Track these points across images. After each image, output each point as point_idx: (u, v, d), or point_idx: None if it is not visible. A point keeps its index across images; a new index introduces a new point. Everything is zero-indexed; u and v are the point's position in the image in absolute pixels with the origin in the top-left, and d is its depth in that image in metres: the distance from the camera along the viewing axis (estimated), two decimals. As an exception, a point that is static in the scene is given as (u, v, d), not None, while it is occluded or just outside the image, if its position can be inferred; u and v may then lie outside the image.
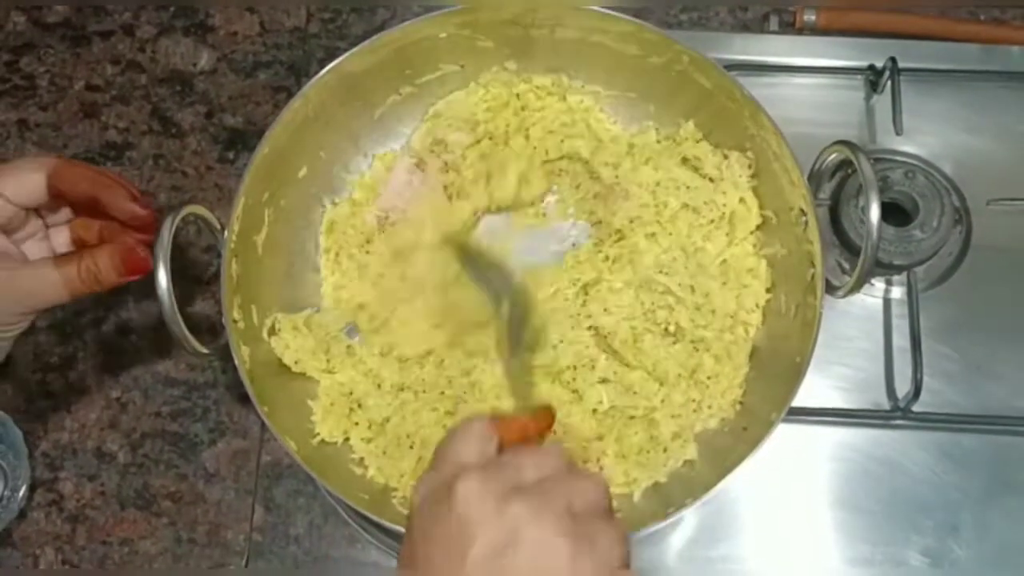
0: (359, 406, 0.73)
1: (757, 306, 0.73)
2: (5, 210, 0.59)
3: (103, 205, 0.60)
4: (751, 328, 0.72)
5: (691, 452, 0.71)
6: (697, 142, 0.75)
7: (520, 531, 0.45)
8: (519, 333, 0.71)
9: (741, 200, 0.73)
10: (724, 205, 0.74)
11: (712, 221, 0.74)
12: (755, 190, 0.74)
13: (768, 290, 0.73)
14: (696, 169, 0.75)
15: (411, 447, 0.71)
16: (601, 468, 0.71)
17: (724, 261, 0.74)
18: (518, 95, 0.79)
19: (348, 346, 0.74)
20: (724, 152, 0.74)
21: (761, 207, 0.74)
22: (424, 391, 0.73)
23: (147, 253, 0.60)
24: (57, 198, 0.61)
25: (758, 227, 0.74)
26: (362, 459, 0.72)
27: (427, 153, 0.78)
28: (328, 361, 0.73)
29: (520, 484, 0.47)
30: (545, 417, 0.58)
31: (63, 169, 0.60)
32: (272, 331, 0.72)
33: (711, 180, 0.75)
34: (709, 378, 0.72)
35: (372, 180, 0.78)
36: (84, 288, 0.59)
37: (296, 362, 0.72)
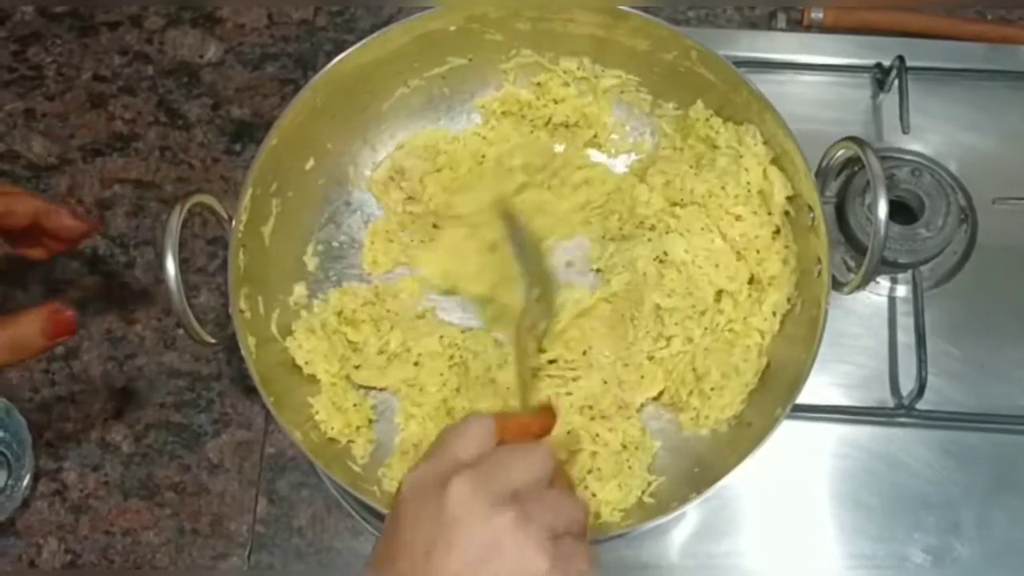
0: (369, 408, 0.73)
1: (775, 313, 0.72)
2: None
3: (47, 231, 0.63)
4: (767, 336, 0.72)
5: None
6: (708, 119, 0.75)
7: (503, 541, 0.46)
8: (538, 319, 0.71)
9: (765, 175, 0.72)
10: (749, 183, 0.73)
11: (737, 196, 0.73)
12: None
13: (788, 299, 0.72)
14: (714, 147, 0.75)
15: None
16: (598, 469, 0.71)
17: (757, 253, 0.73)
18: (539, 83, 0.79)
19: (355, 357, 0.74)
20: (735, 126, 0.74)
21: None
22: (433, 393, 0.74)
23: (73, 312, 0.60)
24: None
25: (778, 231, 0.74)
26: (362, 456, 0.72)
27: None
28: (340, 366, 0.73)
29: (510, 489, 0.48)
30: (546, 417, 0.58)
31: (10, 204, 0.62)
32: (288, 331, 0.72)
33: (730, 152, 0.74)
34: (712, 390, 0.71)
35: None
36: (9, 358, 0.57)
37: (307, 363, 0.72)
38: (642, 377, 0.73)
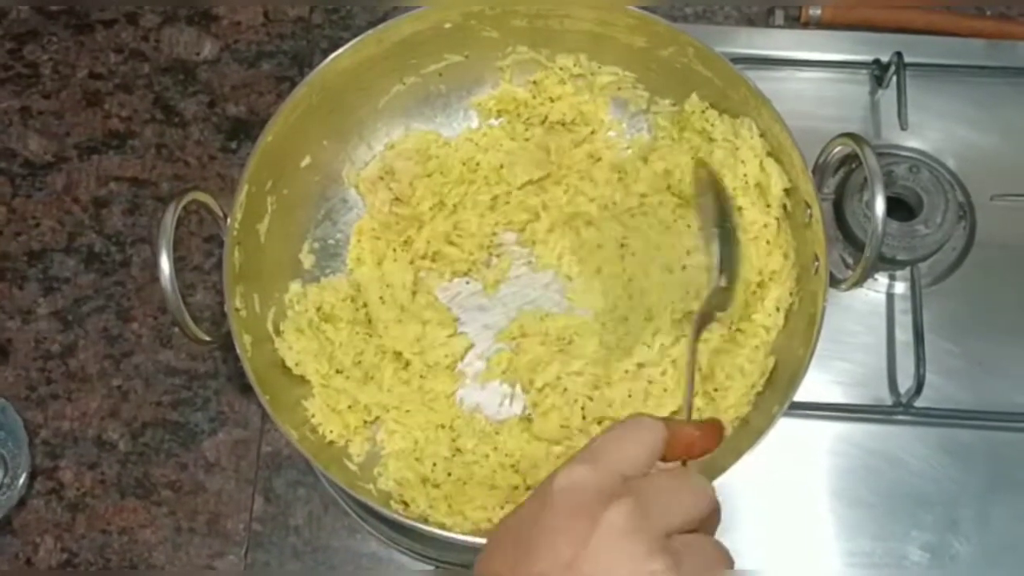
0: (362, 408, 0.73)
1: (778, 309, 0.71)
2: None
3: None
4: (772, 331, 0.71)
5: None
6: (704, 112, 0.75)
7: None
8: (718, 309, 0.63)
9: (761, 167, 0.72)
10: (746, 175, 0.72)
11: (735, 188, 0.72)
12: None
13: (791, 293, 0.71)
14: (711, 140, 0.74)
15: (417, 459, 0.72)
16: None
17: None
18: (535, 81, 0.79)
19: (357, 357, 0.74)
20: (731, 119, 0.74)
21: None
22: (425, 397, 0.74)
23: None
24: None
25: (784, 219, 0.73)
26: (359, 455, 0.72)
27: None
28: (329, 366, 0.72)
29: (668, 529, 0.43)
30: (713, 432, 0.50)
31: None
32: (277, 330, 0.72)
33: (725, 145, 0.73)
34: (717, 391, 0.71)
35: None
36: None
37: (297, 364, 0.72)
38: (665, 389, 0.72)
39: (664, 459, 0.47)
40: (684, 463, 0.49)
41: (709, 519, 0.46)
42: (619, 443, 0.46)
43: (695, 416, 0.65)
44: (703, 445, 0.49)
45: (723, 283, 0.63)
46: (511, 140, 0.79)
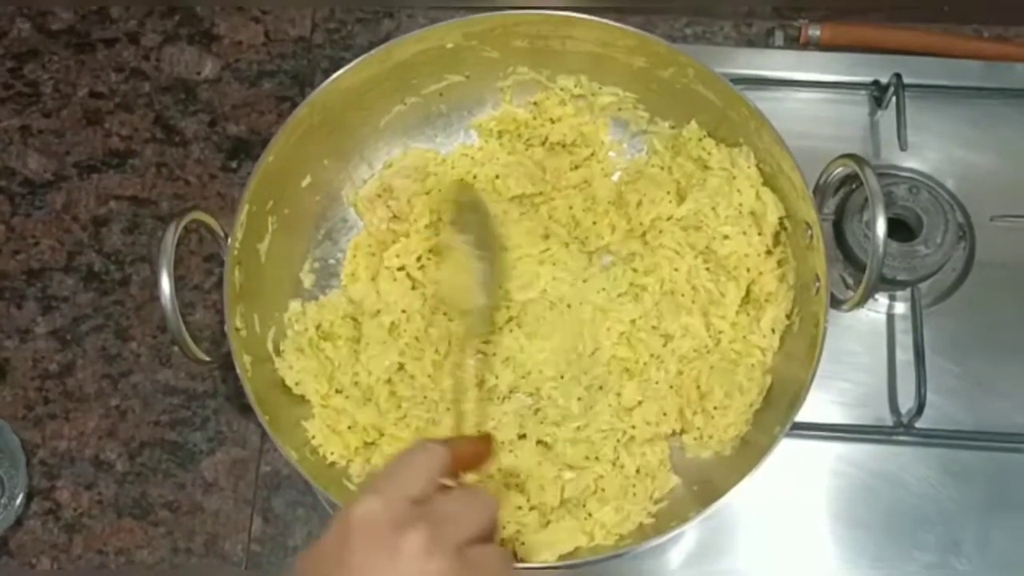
0: (362, 429, 0.72)
1: (774, 331, 0.72)
2: None
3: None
4: (768, 353, 0.72)
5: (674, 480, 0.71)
6: (700, 140, 0.75)
7: None
8: (480, 329, 0.70)
9: (758, 196, 0.73)
10: (741, 204, 0.73)
11: (728, 216, 0.73)
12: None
13: (788, 316, 0.72)
14: (706, 167, 0.75)
15: None
16: (603, 490, 0.70)
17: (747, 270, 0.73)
18: (536, 103, 0.79)
19: (355, 374, 0.73)
20: (728, 148, 0.74)
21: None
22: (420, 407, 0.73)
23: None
24: None
25: (775, 245, 0.74)
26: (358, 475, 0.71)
27: None
28: (329, 386, 0.72)
29: (460, 543, 0.47)
30: (488, 443, 0.56)
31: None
32: (277, 350, 0.72)
33: (723, 174, 0.74)
34: (716, 409, 0.71)
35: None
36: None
37: (297, 384, 0.71)
38: (665, 414, 0.72)
39: (450, 475, 0.51)
40: (457, 476, 0.53)
41: (494, 528, 0.50)
42: (406, 470, 0.49)
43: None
44: (481, 458, 0.54)
45: (484, 301, 0.70)
46: (508, 155, 0.79)
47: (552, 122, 0.79)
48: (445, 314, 0.75)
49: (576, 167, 0.79)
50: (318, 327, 0.74)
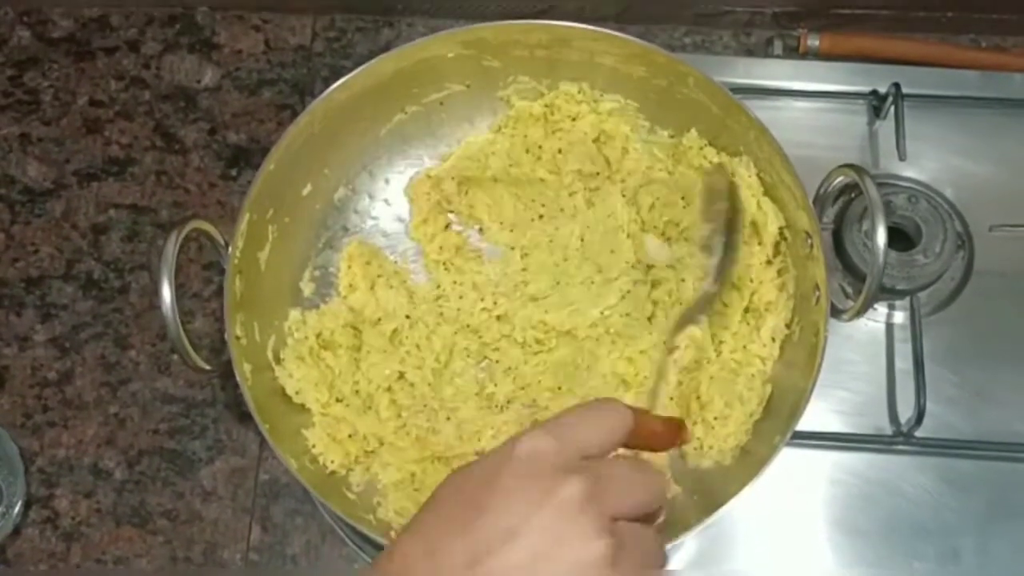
0: (362, 439, 0.72)
1: (774, 339, 0.71)
2: None
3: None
4: (768, 362, 0.72)
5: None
6: (701, 148, 0.75)
7: (587, 570, 0.42)
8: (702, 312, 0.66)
9: (758, 206, 0.73)
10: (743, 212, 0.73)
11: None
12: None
13: (787, 325, 0.72)
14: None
15: (416, 490, 0.71)
16: None
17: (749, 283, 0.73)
18: (547, 104, 0.78)
19: (356, 383, 0.73)
20: (728, 156, 0.74)
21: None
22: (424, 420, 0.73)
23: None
24: None
25: (775, 255, 0.73)
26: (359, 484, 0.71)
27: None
28: (329, 394, 0.72)
29: (620, 513, 0.44)
30: (676, 430, 0.52)
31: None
32: (277, 359, 0.72)
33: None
34: (716, 419, 0.71)
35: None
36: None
37: (297, 392, 0.71)
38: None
39: (626, 446, 0.47)
40: (637, 454, 0.50)
41: (656, 513, 0.47)
42: (586, 422, 0.46)
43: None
44: (665, 440, 0.51)
45: (714, 288, 0.67)
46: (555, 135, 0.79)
47: (572, 120, 0.78)
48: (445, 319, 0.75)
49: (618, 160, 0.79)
50: (318, 336, 0.74)
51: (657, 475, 0.47)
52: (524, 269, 0.78)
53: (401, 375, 0.74)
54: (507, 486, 0.43)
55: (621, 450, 0.48)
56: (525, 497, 0.42)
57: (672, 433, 0.51)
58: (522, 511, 0.42)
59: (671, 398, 0.72)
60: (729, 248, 0.68)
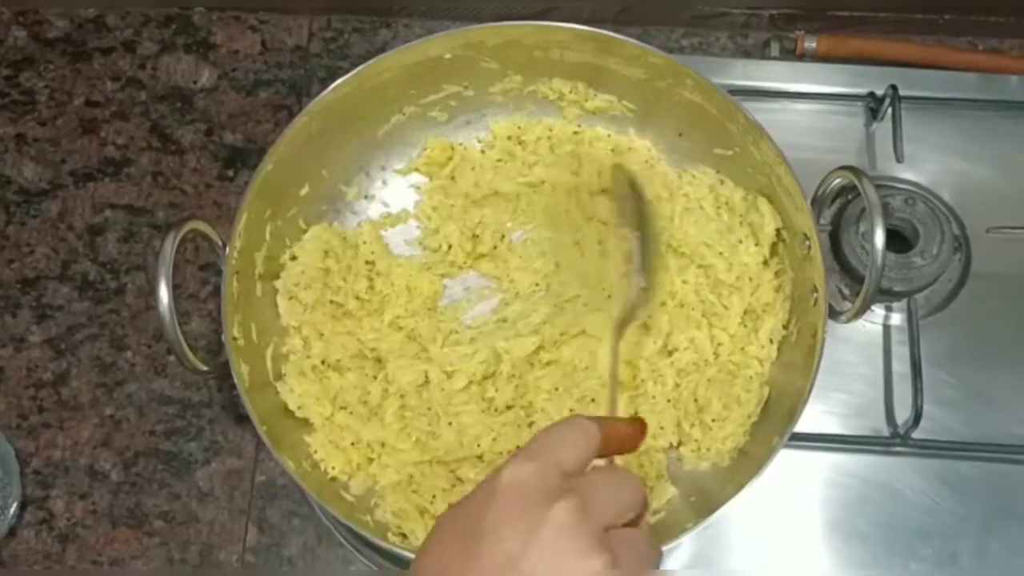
0: (365, 446, 0.72)
1: (771, 341, 0.72)
2: None
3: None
4: (766, 364, 0.72)
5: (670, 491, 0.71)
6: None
7: None
8: (637, 311, 0.68)
9: (756, 208, 0.73)
10: (740, 216, 0.73)
11: (730, 229, 0.73)
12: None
13: (785, 326, 0.72)
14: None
15: (414, 491, 0.71)
16: None
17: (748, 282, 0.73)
18: (550, 127, 0.79)
19: (362, 395, 0.73)
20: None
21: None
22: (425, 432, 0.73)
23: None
24: None
25: (773, 257, 0.74)
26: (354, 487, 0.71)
27: None
28: (332, 406, 0.72)
29: (607, 524, 0.45)
30: (640, 429, 0.54)
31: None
32: (278, 375, 0.71)
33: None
34: (714, 421, 0.71)
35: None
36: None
37: (299, 407, 0.71)
38: (661, 427, 0.72)
39: (599, 456, 0.49)
40: (611, 460, 0.53)
41: (640, 514, 0.49)
42: (560, 442, 0.48)
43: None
44: (633, 441, 0.53)
45: (643, 284, 0.68)
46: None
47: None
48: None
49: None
50: (323, 361, 0.74)
51: (634, 478, 0.49)
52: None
53: (426, 380, 0.73)
54: (501, 516, 0.44)
55: (596, 461, 0.49)
56: (519, 524, 0.44)
57: (638, 432, 0.53)
58: (520, 537, 0.43)
59: (668, 400, 0.72)
60: (647, 240, 0.70)
